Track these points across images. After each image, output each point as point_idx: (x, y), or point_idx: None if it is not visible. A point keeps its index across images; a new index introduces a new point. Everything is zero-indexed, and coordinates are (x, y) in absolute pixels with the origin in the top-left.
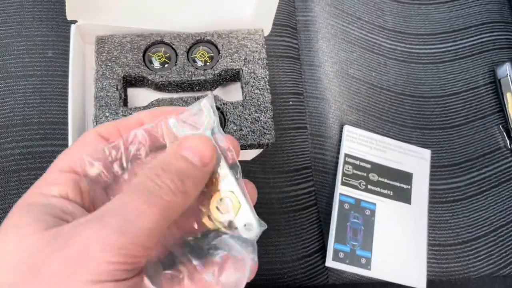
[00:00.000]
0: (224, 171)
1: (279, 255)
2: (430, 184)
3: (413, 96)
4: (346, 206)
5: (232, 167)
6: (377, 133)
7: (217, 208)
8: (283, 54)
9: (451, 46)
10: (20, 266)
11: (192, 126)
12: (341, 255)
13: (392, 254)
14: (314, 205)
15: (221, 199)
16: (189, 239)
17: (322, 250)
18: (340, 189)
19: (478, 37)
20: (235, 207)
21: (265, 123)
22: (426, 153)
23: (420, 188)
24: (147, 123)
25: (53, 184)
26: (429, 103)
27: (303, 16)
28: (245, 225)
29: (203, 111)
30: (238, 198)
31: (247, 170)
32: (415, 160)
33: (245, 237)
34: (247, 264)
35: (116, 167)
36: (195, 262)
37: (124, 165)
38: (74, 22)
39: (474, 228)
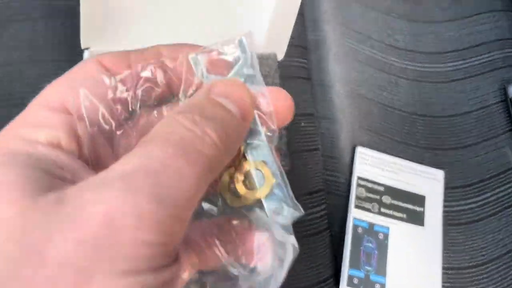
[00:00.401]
0: (255, 135)
1: (293, 282)
2: (444, 206)
3: (425, 115)
4: (360, 230)
5: (267, 132)
6: (390, 154)
7: (243, 182)
8: (294, 75)
9: (461, 64)
10: (8, 250)
11: (221, 69)
12: (356, 281)
13: (406, 278)
14: (327, 229)
15: (247, 171)
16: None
17: (336, 275)
18: (354, 213)
19: (489, 54)
20: (267, 183)
21: (280, 150)
22: (439, 174)
23: (434, 210)
24: (167, 58)
25: (38, 126)
26: (441, 123)
27: (313, 36)
28: (276, 208)
29: (237, 49)
30: (272, 171)
31: None
32: (428, 182)
33: (277, 222)
34: (288, 250)
35: (120, 108)
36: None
37: (132, 107)
38: (87, 48)
39: (489, 250)
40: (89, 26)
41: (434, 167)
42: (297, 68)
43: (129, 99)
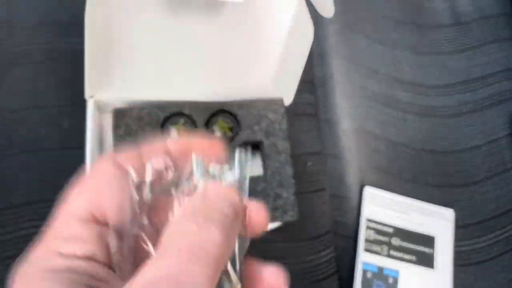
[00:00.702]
0: None
1: None
2: (454, 246)
3: (434, 151)
4: (369, 275)
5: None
6: (398, 192)
7: None
8: (300, 112)
9: (469, 96)
10: None
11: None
12: None
13: None
14: (335, 273)
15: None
16: None
17: None
18: (362, 256)
19: (497, 85)
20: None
21: (287, 199)
22: (449, 213)
23: (444, 251)
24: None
25: (73, 240)
26: (450, 159)
27: (320, 71)
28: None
29: (234, 164)
30: (235, 277)
31: (266, 240)
32: (438, 222)
33: None
34: None
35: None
36: None
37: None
38: (91, 97)
39: None
40: (93, 76)
41: (444, 205)
42: (304, 105)
43: (146, 192)
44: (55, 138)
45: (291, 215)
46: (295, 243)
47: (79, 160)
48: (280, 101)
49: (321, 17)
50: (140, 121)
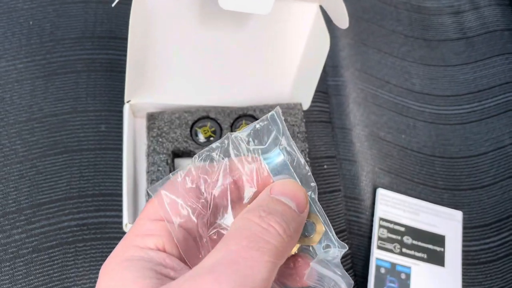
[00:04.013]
0: None
1: None
2: (463, 246)
3: (443, 157)
4: (382, 270)
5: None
6: (409, 195)
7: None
8: (316, 119)
9: (476, 106)
10: None
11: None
12: None
13: None
14: (351, 269)
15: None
16: None
17: None
18: (376, 253)
19: (503, 96)
20: (318, 232)
21: None
22: (458, 214)
23: (453, 250)
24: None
25: (147, 235)
26: (459, 164)
27: (333, 81)
28: (324, 247)
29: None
30: (321, 221)
31: None
32: (448, 222)
33: (327, 259)
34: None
35: (204, 211)
36: None
37: (210, 207)
38: (128, 101)
39: None
40: (131, 84)
41: (453, 207)
42: (319, 113)
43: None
44: (93, 140)
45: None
46: None
47: (114, 159)
48: (298, 106)
49: (335, 31)
50: (171, 124)
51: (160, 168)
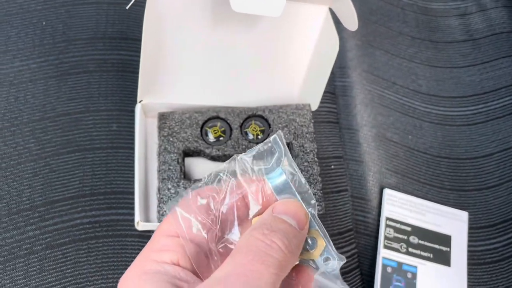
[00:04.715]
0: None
1: None
2: (469, 246)
3: (449, 158)
4: (389, 270)
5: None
6: (416, 195)
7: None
8: (324, 120)
9: (482, 107)
10: None
11: (262, 162)
12: None
13: None
14: (357, 268)
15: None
16: None
17: None
18: (383, 253)
19: (509, 98)
20: (319, 246)
21: (315, 194)
22: (464, 215)
23: (459, 250)
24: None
25: (163, 250)
26: (464, 165)
27: (341, 82)
28: (324, 259)
29: (271, 146)
30: (322, 236)
31: None
32: (453, 223)
33: (328, 271)
34: None
35: (214, 227)
36: None
37: (218, 224)
38: (140, 101)
39: None
40: (145, 83)
41: (459, 208)
42: (326, 113)
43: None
44: (105, 139)
45: (318, 210)
46: None
47: (125, 157)
48: (307, 107)
49: (342, 32)
50: (182, 124)
51: (171, 167)
